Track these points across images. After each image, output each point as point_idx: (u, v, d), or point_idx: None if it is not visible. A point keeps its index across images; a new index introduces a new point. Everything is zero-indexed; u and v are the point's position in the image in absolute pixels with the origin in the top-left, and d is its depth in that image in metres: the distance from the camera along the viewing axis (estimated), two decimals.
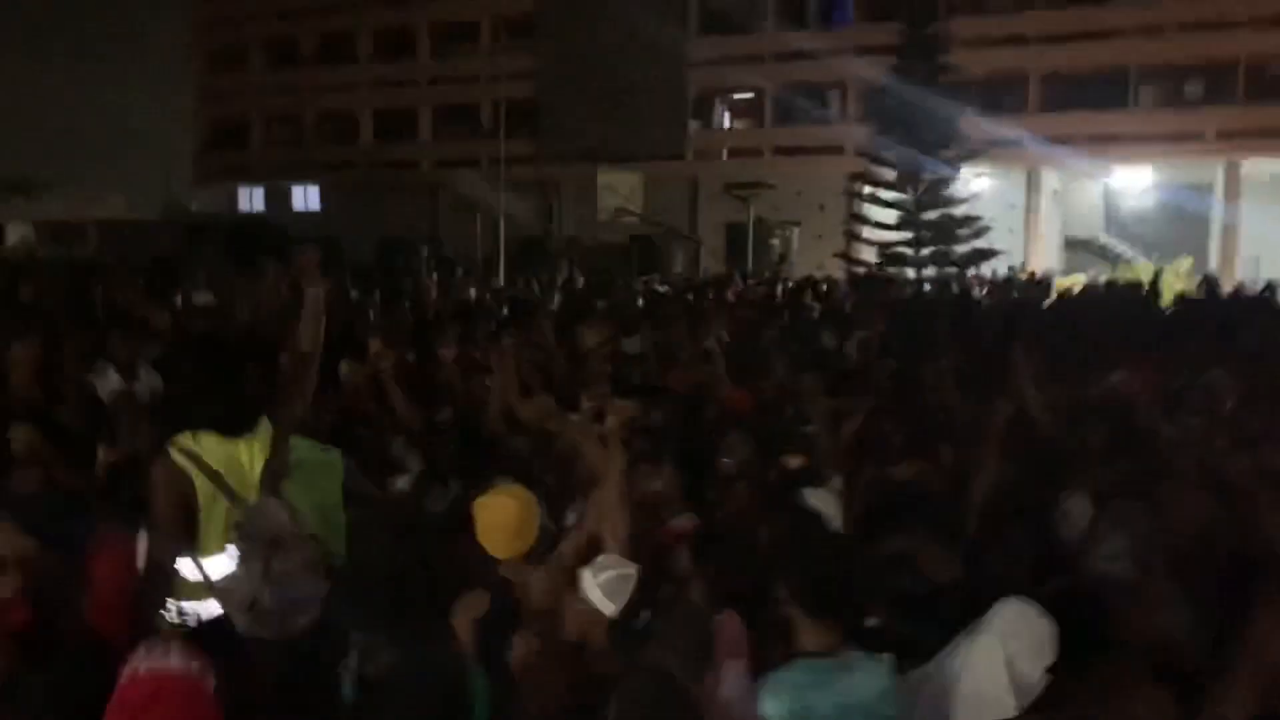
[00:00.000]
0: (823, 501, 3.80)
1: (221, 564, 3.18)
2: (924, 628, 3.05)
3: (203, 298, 8.50)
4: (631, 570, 2.78)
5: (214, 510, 3.30)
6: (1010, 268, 23.82)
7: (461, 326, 7.44)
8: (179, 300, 8.27)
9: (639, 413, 3.79)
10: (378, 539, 3.10)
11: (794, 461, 4.34)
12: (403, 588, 2.67)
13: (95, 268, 11.48)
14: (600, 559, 2.83)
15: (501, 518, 3.10)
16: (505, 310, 10.52)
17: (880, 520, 3.94)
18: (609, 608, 2.75)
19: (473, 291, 13.53)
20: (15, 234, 35.03)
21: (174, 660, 2.17)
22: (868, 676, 2.69)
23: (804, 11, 33.53)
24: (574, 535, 3.05)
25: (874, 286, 16.99)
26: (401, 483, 4.23)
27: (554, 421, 3.48)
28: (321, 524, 3.57)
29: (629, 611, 2.64)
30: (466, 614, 2.76)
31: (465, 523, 3.14)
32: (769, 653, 2.78)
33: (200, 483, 3.31)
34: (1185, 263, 20.59)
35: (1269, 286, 14.65)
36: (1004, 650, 2.60)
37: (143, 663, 2.15)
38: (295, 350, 3.56)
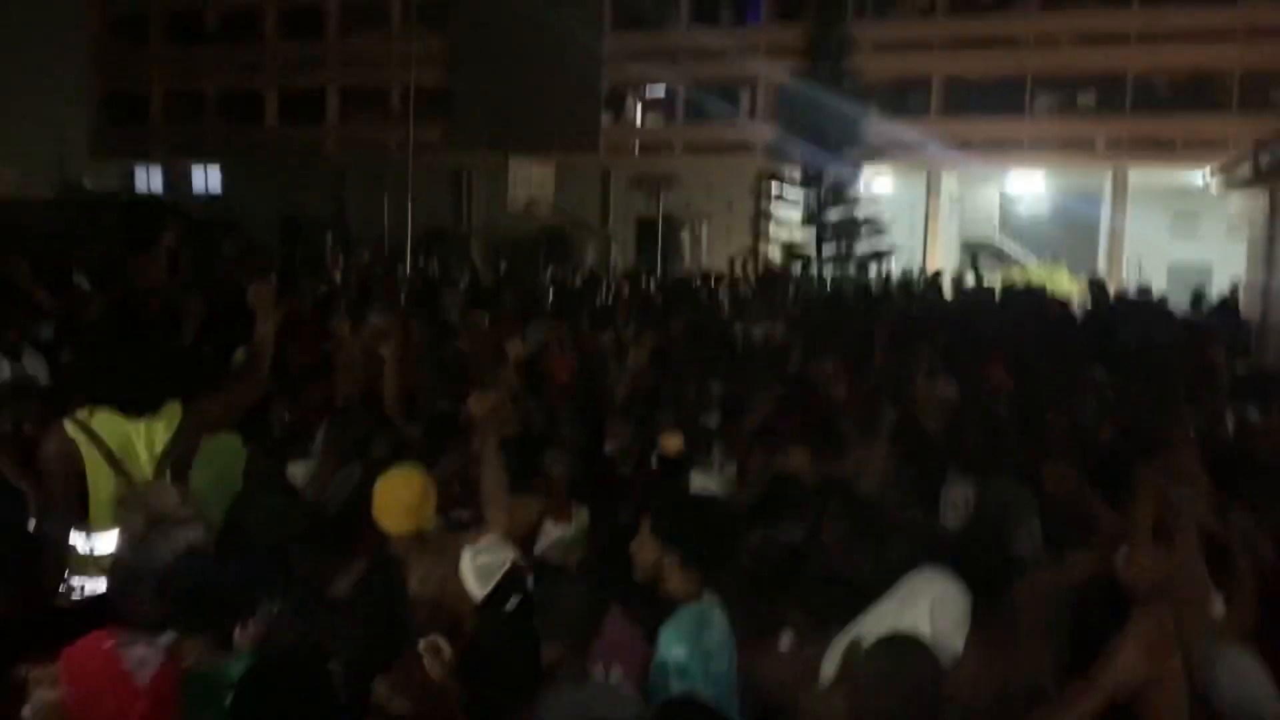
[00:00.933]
0: (711, 484, 3.94)
1: (110, 539, 3.18)
2: (824, 608, 3.21)
3: (80, 280, 8.25)
4: (506, 556, 2.87)
5: (104, 485, 3.30)
6: (912, 269, 24.50)
7: (357, 305, 7.39)
8: (72, 280, 8.03)
9: (505, 401, 3.87)
10: (260, 514, 3.14)
11: (673, 444, 4.45)
12: (283, 558, 2.73)
13: None
14: (481, 542, 2.92)
15: (397, 495, 3.16)
16: (406, 293, 10.47)
17: (772, 507, 4.10)
18: (477, 590, 2.84)
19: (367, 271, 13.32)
20: None
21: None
22: (719, 613, 2.92)
23: (717, 9, 33.84)
24: (470, 520, 3.14)
25: (778, 282, 17.29)
26: (300, 467, 4.23)
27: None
28: (219, 507, 3.58)
29: (496, 595, 2.74)
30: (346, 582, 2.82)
31: (364, 503, 3.19)
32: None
33: (90, 457, 3.30)
34: (1063, 273, 21.59)
35: (1143, 289, 15.52)
36: (931, 626, 2.70)
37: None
38: (247, 365, 3.58)
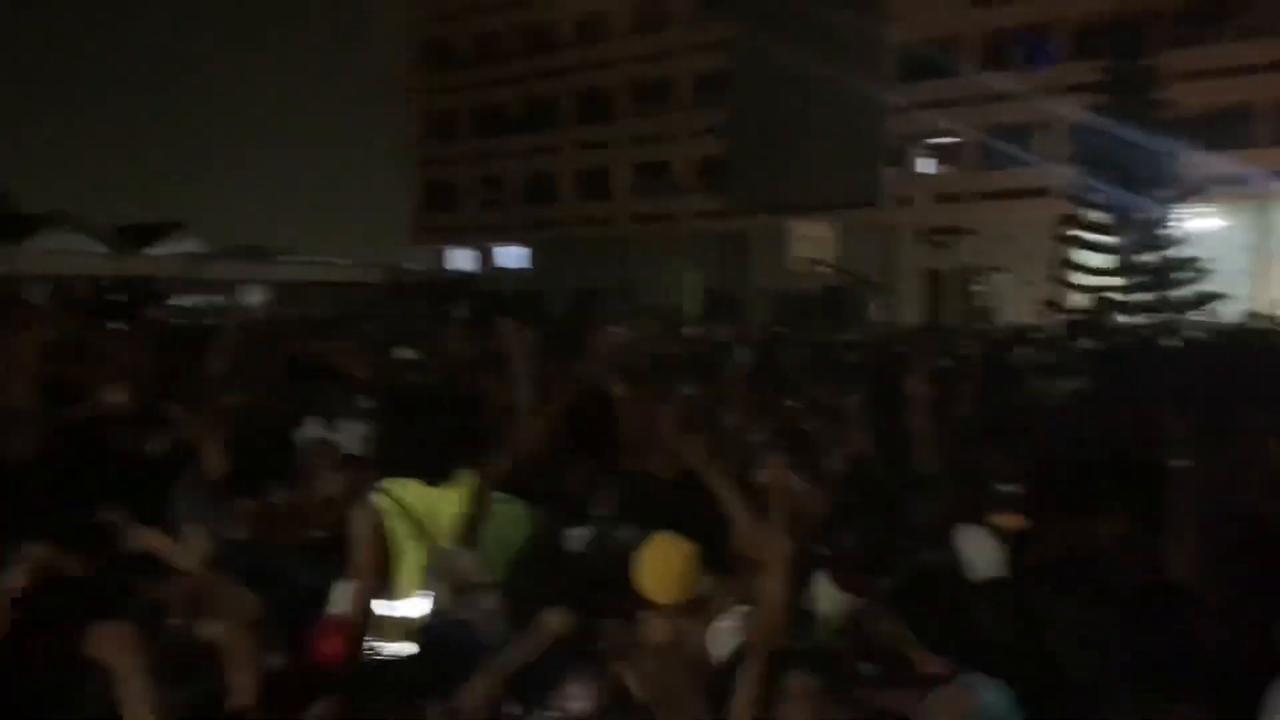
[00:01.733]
0: (979, 541, 3.65)
1: (414, 605, 3.32)
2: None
3: (405, 353, 8.95)
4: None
5: (409, 553, 3.46)
6: (1247, 314, 22.10)
7: (636, 371, 7.48)
8: (388, 354, 8.75)
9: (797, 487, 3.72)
10: (532, 579, 3.18)
11: (1011, 522, 4.13)
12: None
13: (316, 326, 12.34)
14: (734, 608, 2.83)
15: (662, 563, 3.11)
16: (688, 360, 10.57)
17: (1057, 577, 3.72)
18: (715, 653, 2.77)
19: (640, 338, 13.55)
20: (253, 296, 38.16)
21: None
22: (996, 694, 2.72)
23: (1005, 53, 32.53)
24: (727, 594, 3.04)
25: (1086, 334, 16.08)
26: (578, 531, 4.30)
27: (716, 480, 3.46)
28: (500, 572, 3.68)
29: (729, 663, 2.64)
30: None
31: (627, 568, 3.17)
32: None
33: (397, 526, 3.48)
34: None
35: None
36: None
37: None
38: (512, 411, 3.73)
